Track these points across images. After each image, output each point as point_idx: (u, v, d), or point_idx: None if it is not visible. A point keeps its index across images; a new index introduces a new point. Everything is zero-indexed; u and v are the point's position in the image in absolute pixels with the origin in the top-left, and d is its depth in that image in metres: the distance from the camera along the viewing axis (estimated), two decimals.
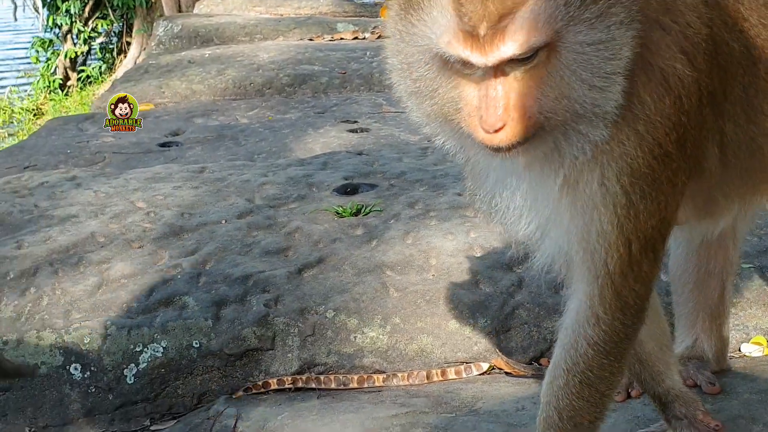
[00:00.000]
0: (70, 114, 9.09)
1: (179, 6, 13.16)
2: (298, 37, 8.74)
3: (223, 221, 3.78)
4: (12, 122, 12.39)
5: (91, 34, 14.00)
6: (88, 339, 3.07)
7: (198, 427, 2.82)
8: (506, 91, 1.69)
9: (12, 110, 12.71)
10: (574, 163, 1.86)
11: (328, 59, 7.71)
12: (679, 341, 2.69)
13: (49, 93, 13.47)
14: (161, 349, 3.05)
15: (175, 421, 2.95)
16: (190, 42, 8.83)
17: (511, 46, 1.65)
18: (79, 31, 13.90)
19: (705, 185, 2.07)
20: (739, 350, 2.96)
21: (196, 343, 3.06)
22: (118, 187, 4.28)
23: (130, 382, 3.02)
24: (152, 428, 2.97)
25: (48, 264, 3.46)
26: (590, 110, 1.75)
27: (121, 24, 14.38)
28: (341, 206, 3.88)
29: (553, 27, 1.66)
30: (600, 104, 1.75)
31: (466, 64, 1.70)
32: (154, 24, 10.01)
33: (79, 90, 13.50)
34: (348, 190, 4.16)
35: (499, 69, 1.68)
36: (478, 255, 3.36)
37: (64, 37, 14.22)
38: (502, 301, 3.13)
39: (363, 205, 3.89)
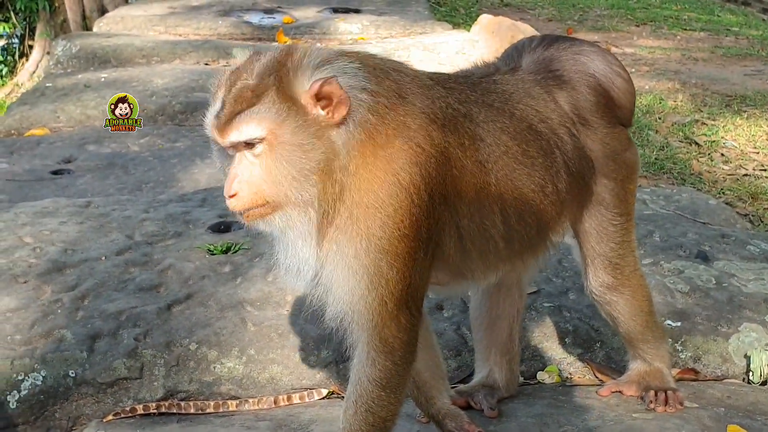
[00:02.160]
0: None
1: (83, 12, 13.26)
2: (194, 61, 9.06)
3: (103, 258, 4.19)
4: None
5: None
6: None
7: None
8: (241, 170, 2.37)
9: None
10: (331, 237, 2.42)
11: None
12: (477, 372, 3.25)
13: None
14: (41, 378, 3.44)
15: None
16: (87, 63, 9.03)
17: (235, 133, 2.35)
18: None
19: (448, 262, 2.63)
20: (535, 377, 3.52)
21: (72, 373, 3.46)
22: (8, 221, 4.63)
23: (13, 407, 3.39)
24: None
25: None
26: (295, 196, 2.38)
27: (23, 27, 14.38)
28: (213, 244, 4.34)
29: (268, 126, 2.34)
30: (301, 193, 2.38)
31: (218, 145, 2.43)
32: (53, 43, 10.15)
33: None
34: (221, 228, 4.61)
35: (238, 154, 2.37)
36: None
37: None
38: (343, 335, 3.64)
39: (233, 243, 4.35)
